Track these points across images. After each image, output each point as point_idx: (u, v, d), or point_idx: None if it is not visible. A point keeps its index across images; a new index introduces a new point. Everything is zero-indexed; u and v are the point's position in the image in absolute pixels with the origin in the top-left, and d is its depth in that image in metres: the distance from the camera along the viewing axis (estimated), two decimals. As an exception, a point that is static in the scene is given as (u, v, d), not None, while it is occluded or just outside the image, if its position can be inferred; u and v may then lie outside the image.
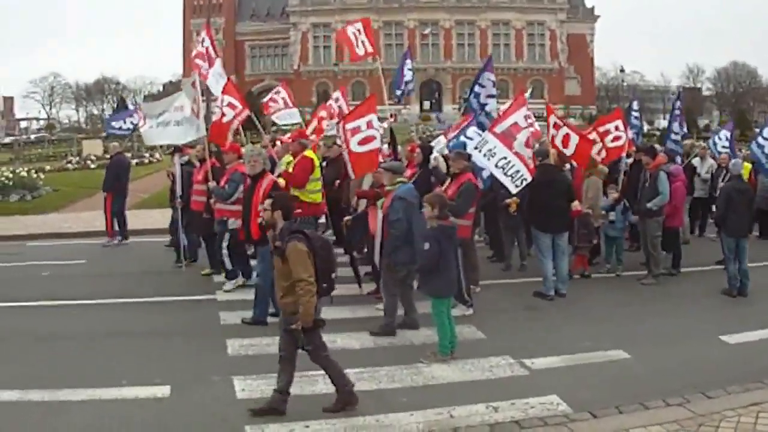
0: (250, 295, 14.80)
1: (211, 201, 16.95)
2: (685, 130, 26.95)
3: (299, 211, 15.61)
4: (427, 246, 11.75)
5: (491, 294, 16.40)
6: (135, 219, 25.69)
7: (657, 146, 21.68)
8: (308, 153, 16.69)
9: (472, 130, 17.78)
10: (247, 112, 20.76)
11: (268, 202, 10.18)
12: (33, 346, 12.85)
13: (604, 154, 19.83)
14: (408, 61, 25.06)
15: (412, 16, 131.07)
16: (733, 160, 19.65)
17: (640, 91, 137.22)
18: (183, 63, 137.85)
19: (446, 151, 18.75)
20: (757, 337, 13.09)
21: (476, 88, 18.42)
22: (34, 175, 39.88)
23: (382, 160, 15.95)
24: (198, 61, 21.62)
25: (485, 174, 16.63)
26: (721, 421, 9.08)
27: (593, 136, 19.90)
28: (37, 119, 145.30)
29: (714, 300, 16.29)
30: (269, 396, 9.92)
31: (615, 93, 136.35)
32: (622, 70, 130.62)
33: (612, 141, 20.21)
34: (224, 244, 16.53)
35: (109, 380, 10.83)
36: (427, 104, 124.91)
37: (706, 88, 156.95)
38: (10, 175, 36.87)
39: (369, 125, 16.36)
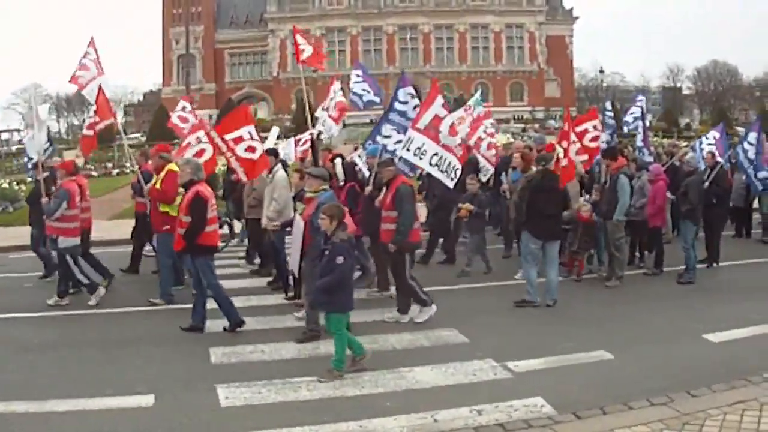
0: (235, 302, 14.82)
1: (44, 218, 16.93)
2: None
3: (168, 227, 15.64)
4: (341, 260, 11.31)
5: (473, 297, 16.49)
6: (115, 228, 25.64)
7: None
8: (173, 167, 16.66)
9: (387, 128, 17.64)
10: (107, 122, 20.53)
11: None
12: (17, 356, 12.80)
13: (585, 156, 19.92)
14: (358, 72, 24.48)
15: (391, 21, 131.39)
16: (689, 154, 19.77)
17: (620, 92, 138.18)
18: (163, 72, 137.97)
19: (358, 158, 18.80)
20: (741, 335, 13.07)
21: (397, 105, 18.03)
22: (16, 187, 39.83)
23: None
24: (81, 72, 20.89)
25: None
26: (706, 420, 9.05)
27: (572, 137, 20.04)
28: (18, 130, 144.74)
29: (698, 299, 16.35)
30: (254, 404, 9.95)
31: (595, 94, 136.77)
32: (601, 71, 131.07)
33: (590, 141, 20.41)
34: (71, 262, 16.55)
35: (93, 390, 10.76)
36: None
37: (686, 87, 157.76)
38: (-8, 187, 36.86)
39: (251, 136, 17.14)
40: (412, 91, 17.65)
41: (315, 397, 10.39)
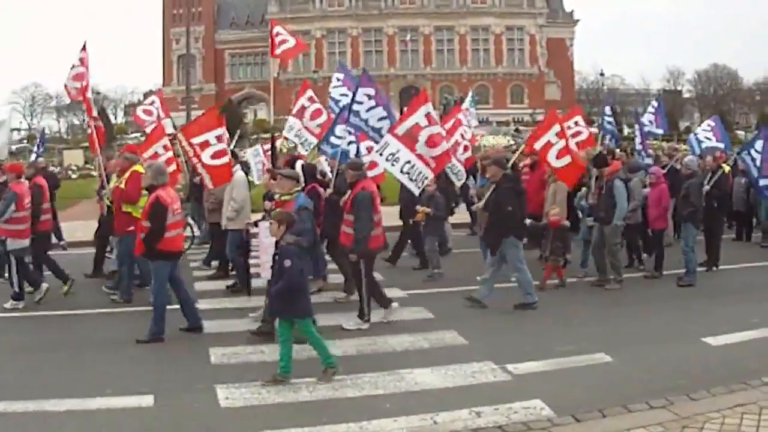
0: (233, 303, 14.88)
1: None
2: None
3: (132, 228, 15.54)
4: (288, 263, 11.02)
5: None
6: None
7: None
8: (138, 168, 16.59)
9: (340, 129, 17.58)
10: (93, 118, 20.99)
11: None
12: (15, 356, 12.84)
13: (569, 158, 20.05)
14: (339, 75, 23.62)
15: (392, 23, 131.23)
16: (688, 157, 19.75)
17: (621, 95, 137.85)
18: (163, 72, 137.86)
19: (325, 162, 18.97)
20: (740, 339, 13.09)
21: (354, 106, 17.80)
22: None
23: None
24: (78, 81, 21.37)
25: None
26: (705, 423, 9.06)
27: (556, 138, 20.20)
28: (18, 130, 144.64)
29: (697, 302, 16.34)
30: (254, 404, 9.97)
31: (595, 96, 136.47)
32: (601, 74, 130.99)
33: (572, 136, 20.56)
34: (14, 264, 16.45)
35: (93, 390, 10.78)
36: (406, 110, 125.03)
37: (686, 91, 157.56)
38: (-8, 186, 36.80)
39: (219, 139, 17.24)
40: (371, 92, 17.55)
41: (315, 398, 10.42)
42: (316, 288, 16.79)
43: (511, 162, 16.96)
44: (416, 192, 16.56)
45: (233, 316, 14.78)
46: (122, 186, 16.50)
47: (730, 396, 9.98)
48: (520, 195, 16.01)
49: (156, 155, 18.45)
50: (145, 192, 14.91)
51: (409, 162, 15.84)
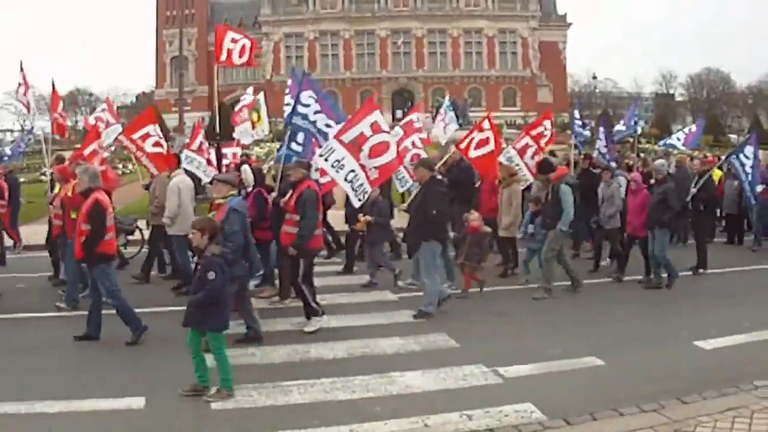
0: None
1: None
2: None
3: None
4: (212, 276, 10.77)
5: (463, 303, 16.41)
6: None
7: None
8: None
9: (300, 135, 17.59)
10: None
11: None
12: (8, 358, 12.77)
13: (538, 157, 20.22)
14: (289, 80, 22.66)
15: (384, 26, 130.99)
16: (658, 161, 19.78)
17: (613, 98, 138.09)
18: (156, 74, 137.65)
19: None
20: (732, 342, 13.13)
21: (300, 109, 17.62)
22: (8, 186, 39.60)
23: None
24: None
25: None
26: (696, 427, 9.05)
27: (526, 140, 20.50)
28: (11, 131, 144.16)
29: (688, 305, 16.39)
30: (244, 407, 9.96)
31: (588, 100, 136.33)
32: (594, 77, 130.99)
33: (540, 137, 21.03)
34: None
35: (84, 392, 10.75)
36: (399, 113, 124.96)
37: (679, 94, 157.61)
38: (-17, 187, 36.67)
39: (156, 133, 19.32)
40: (314, 95, 17.45)
41: (306, 401, 10.41)
42: (267, 295, 17.08)
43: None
44: (356, 203, 16.29)
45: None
46: (69, 194, 16.44)
47: (722, 400, 9.99)
48: (445, 197, 15.96)
49: (94, 153, 19.27)
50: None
51: (353, 171, 15.62)
